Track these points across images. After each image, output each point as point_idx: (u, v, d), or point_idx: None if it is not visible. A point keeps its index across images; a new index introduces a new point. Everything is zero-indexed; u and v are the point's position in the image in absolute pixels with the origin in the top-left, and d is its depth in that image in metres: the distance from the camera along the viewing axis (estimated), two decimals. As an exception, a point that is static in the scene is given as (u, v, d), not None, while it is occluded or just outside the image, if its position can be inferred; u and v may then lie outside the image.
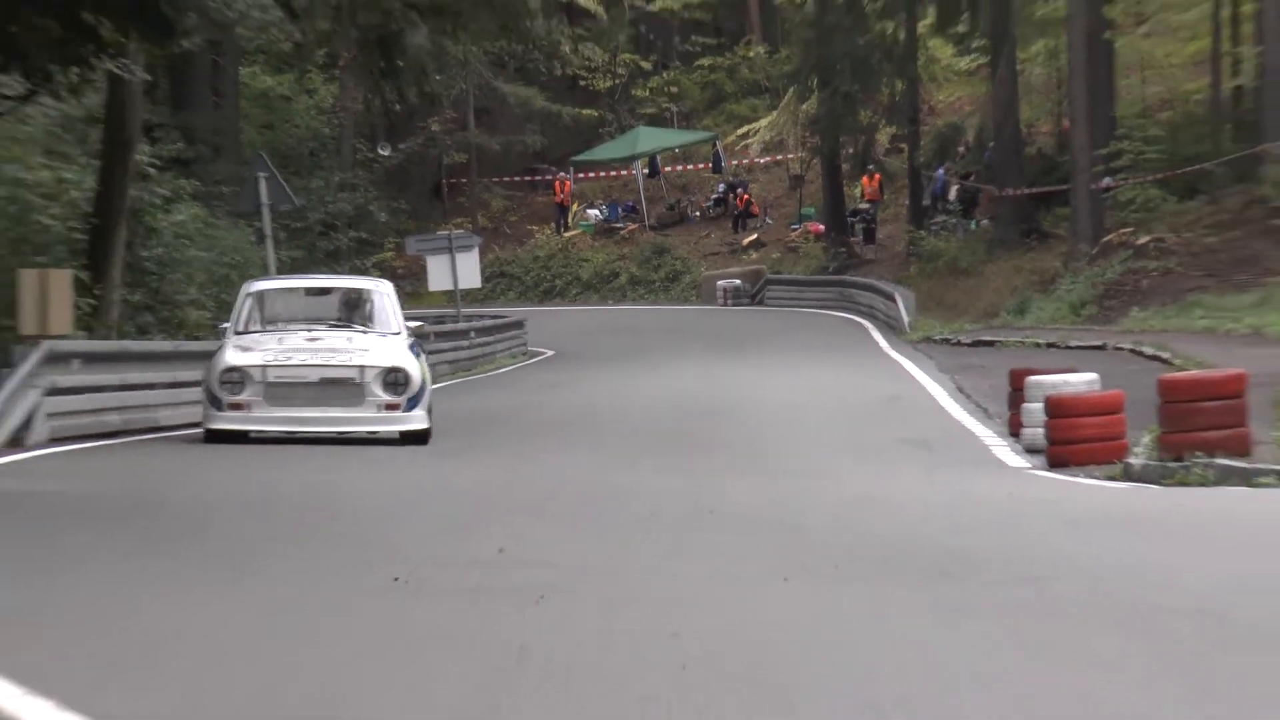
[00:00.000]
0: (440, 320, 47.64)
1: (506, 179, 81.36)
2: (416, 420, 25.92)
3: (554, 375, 45.40)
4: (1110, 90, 57.31)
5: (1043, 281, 54.69)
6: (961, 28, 67.25)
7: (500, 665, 9.34)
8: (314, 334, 26.92)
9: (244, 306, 27.48)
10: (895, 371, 41.14)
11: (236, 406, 25.25)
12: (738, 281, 70.13)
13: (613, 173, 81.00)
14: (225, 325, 27.59)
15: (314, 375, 25.63)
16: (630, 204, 79.94)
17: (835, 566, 13.47)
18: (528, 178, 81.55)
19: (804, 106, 74.19)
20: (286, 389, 25.46)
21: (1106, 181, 55.05)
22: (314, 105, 63.88)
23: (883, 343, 50.11)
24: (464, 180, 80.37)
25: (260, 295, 27.97)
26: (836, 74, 67.54)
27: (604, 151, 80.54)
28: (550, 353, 53.37)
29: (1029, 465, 24.15)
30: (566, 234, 79.08)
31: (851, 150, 71.17)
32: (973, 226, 64.58)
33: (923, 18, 67.71)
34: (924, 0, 66.94)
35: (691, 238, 78.21)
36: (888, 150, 72.45)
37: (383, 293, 28.48)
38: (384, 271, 61.24)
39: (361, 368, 25.83)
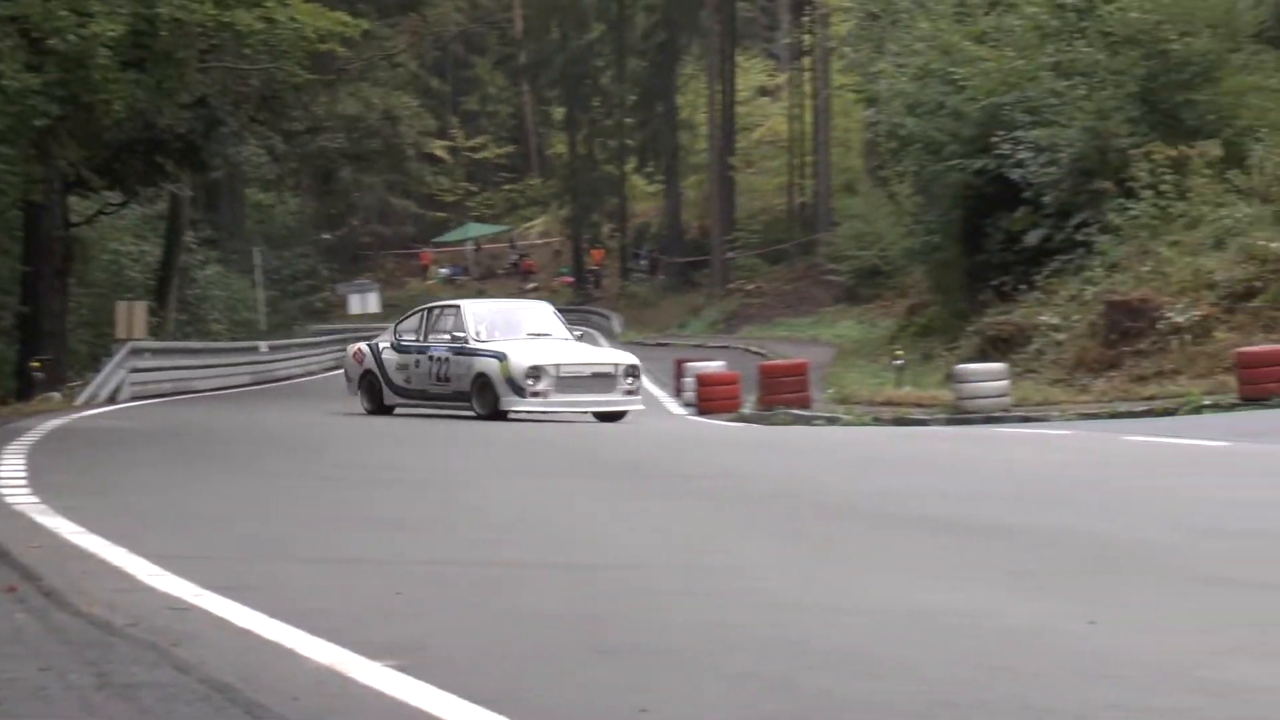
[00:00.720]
0: (356, 330, 46.75)
1: (395, 251, 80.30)
2: (638, 402, 21.22)
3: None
4: (732, 203, 58.05)
5: (695, 310, 55.09)
6: (649, 169, 67.87)
7: (389, 521, 9.05)
8: (537, 339, 21.27)
9: (471, 320, 21.33)
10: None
11: (536, 394, 19.97)
12: (525, 310, 69.63)
13: (454, 248, 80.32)
14: (457, 333, 21.22)
15: (588, 371, 20.58)
16: (463, 267, 79.24)
17: (586, 467, 13.33)
18: (406, 250, 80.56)
19: (561, 212, 74.34)
20: (571, 381, 20.22)
21: (730, 255, 55.64)
22: (286, 209, 62.77)
23: (605, 344, 49.99)
24: (370, 251, 79.26)
25: (479, 313, 21.91)
26: (580, 195, 68.14)
27: (449, 236, 79.91)
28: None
29: (687, 413, 24.15)
30: (427, 282, 78.09)
31: (588, 237, 71.09)
32: (655, 280, 64.77)
33: (629, 164, 68.02)
34: (629, 153, 67.45)
35: (498, 285, 77.56)
36: (609, 236, 72.18)
37: (553, 310, 23.07)
38: (324, 305, 60.27)
39: (616, 364, 20.94)
